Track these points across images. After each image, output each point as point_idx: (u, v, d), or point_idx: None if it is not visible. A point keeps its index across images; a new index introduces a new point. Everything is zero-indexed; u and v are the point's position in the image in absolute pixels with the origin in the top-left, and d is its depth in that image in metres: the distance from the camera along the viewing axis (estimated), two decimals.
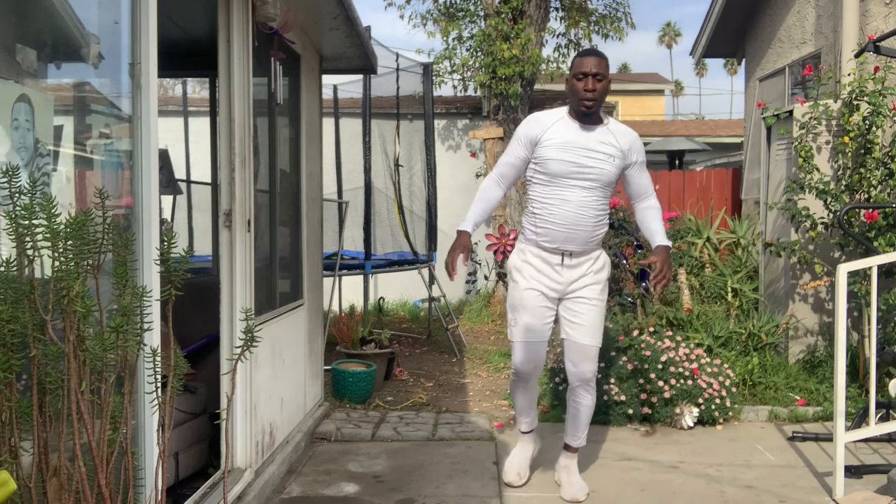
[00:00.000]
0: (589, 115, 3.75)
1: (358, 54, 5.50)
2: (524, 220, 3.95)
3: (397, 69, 8.72)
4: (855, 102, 5.65)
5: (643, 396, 5.06)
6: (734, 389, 5.20)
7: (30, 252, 2.01)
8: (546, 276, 3.82)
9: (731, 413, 5.18)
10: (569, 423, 4.03)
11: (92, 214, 2.10)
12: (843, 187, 5.73)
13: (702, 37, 9.63)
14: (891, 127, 5.72)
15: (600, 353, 4.15)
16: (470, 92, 11.60)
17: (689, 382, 5.08)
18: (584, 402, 3.95)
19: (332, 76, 6.93)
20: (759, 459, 4.51)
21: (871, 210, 5.38)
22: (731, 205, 8.97)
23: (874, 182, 5.56)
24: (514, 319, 3.87)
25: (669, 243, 3.91)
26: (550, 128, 3.79)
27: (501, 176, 3.91)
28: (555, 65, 10.83)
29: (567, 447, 4.06)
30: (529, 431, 4.16)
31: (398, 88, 8.78)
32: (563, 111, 3.86)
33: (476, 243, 10.58)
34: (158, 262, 2.39)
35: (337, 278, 7.59)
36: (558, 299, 3.87)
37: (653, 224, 3.95)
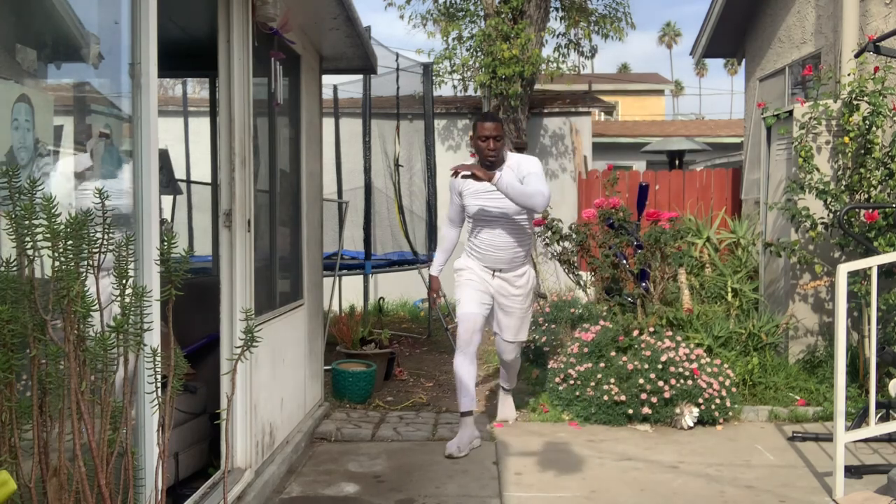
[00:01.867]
0: (491, 165, 4.63)
1: (358, 54, 5.50)
2: (467, 241, 4.92)
3: (397, 69, 8.72)
4: (855, 102, 5.65)
5: (643, 396, 5.06)
6: (734, 389, 5.20)
7: (30, 252, 2.01)
8: (481, 278, 4.82)
9: (731, 413, 5.17)
10: (503, 377, 5.33)
11: (92, 214, 2.10)
12: (843, 187, 5.73)
13: (702, 37, 9.63)
14: (891, 127, 5.72)
15: (600, 352, 5.27)
16: (470, 92, 11.59)
17: (689, 382, 5.08)
18: (509, 369, 5.24)
19: (332, 76, 6.93)
20: (759, 459, 4.51)
21: (871, 210, 5.38)
22: (731, 205, 8.97)
23: (874, 182, 5.56)
24: (459, 301, 4.81)
25: (499, 178, 4.47)
26: (466, 180, 4.68)
27: (451, 220, 4.97)
28: (555, 65, 10.83)
29: (504, 389, 5.35)
30: (469, 412, 4.76)
31: (398, 88, 8.78)
32: (475, 163, 4.75)
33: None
34: (158, 262, 2.39)
35: (337, 278, 7.59)
36: (492, 295, 4.86)
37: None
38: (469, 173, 4.47)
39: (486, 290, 4.81)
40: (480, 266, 4.81)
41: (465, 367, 4.75)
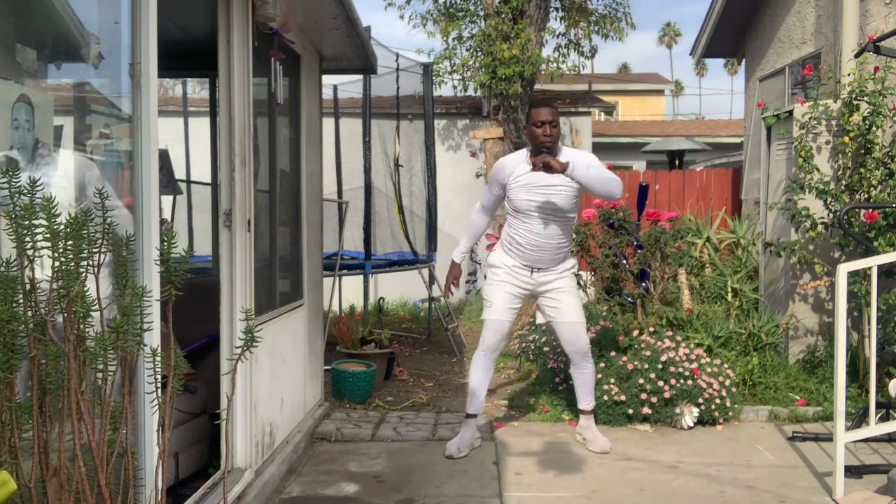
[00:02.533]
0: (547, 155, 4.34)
1: (358, 54, 5.50)
2: (503, 235, 4.68)
3: (397, 69, 8.72)
4: (855, 102, 5.65)
5: (643, 396, 5.06)
6: (734, 389, 5.20)
7: (30, 252, 2.01)
8: (516, 278, 4.59)
9: (731, 413, 5.17)
10: (579, 391, 4.81)
11: (92, 214, 2.10)
12: (843, 187, 5.73)
13: (702, 37, 9.63)
14: (891, 127, 5.72)
15: (600, 352, 4.95)
16: (470, 92, 11.60)
17: (689, 382, 5.08)
18: (586, 370, 4.76)
19: (332, 76, 6.93)
20: (759, 459, 4.51)
21: (871, 210, 5.38)
22: (731, 205, 8.97)
23: (874, 182, 5.56)
24: (490, 302, 4.64)
25: (573, 173, 4.23)
26: (513, 172, 4.49)
27: (484, 208, 4.72)
28: (555, 65, 10.83)
29: (582, 412, 4.83)
30: (475, 416, 4.71)
31: (398, 88, 8.78)
32: (524, 154, 4.52)
33: (476, 243, 10.59)
34: (158, 262, 2.39)
35: (337, 278, 7.59)
36: (530, 294, 4.67)
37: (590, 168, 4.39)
38: (541, 164, 4.14)
39: (519, 294, 4.62)
40: (519, 264, 4.57)
41: (483, 371, 4.66)
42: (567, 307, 4.60)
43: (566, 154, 4.44)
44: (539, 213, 4.45)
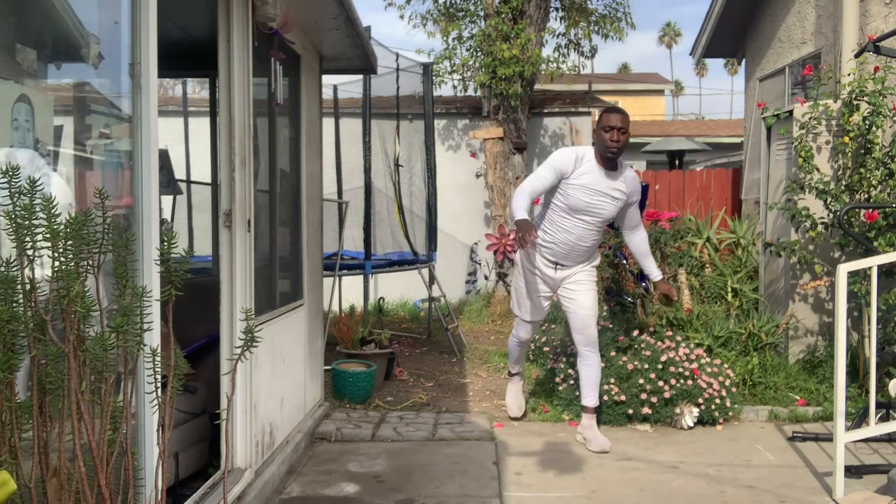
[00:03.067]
0: (612, 160, 4.54)
1: (358, 54, 5.50)
2: (539, 232, 4.75)
3: (397, 69, 8.71)
4: (855, 102, 5.65)
5: (643, 396, 5.06)
6: (734, 389, 5.20)
7: (30, 252, 2.01)
8: (542, 272, 4.80)
9: (731, 413, 5.17)
10: (583, 385, 4.87)
11: (92, 214, 2.10)
12: (843, 187, 5.73)
13: (702, 37, 9.63)
14: (891, 127, 5.72)
15: (600, 352, 4.96)
16: (470, 92, 11.59)
17: (689, 382, 5.08)
18: (592, 362, 4.84)
19: (332, 76, 6.93)
20: (759, 459, 4.51)
21: (871, 210, 5.38)
22: (731, 205, 8.97)
23: (874, 182, 5.56)
24: (521, 304, 4.93)
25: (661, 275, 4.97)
26: (579, 167, 4.54)
27: (532, 192, 4.53)
28: (555, 65, 10.83)
29: (585, 409, 4.85)
30: (518, 373, 5.34)
31: (398, 88, 8.77)
32: (590, 152, 4.61)
33: (476, 243, 10.59)
34: (158, 262, 2.39)
35: (337, 278, 7.58)
36: (555, 287, 4.85)
37: (648, 259, 4.95)
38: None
39: (548, 292, 4.87)
40: (546, 261, 4.75)
41: (521, 350, 5.24)
42: (583, 298, 4.75)
43: (625, 171, 4.66)
44: (587, 215, 4.57)
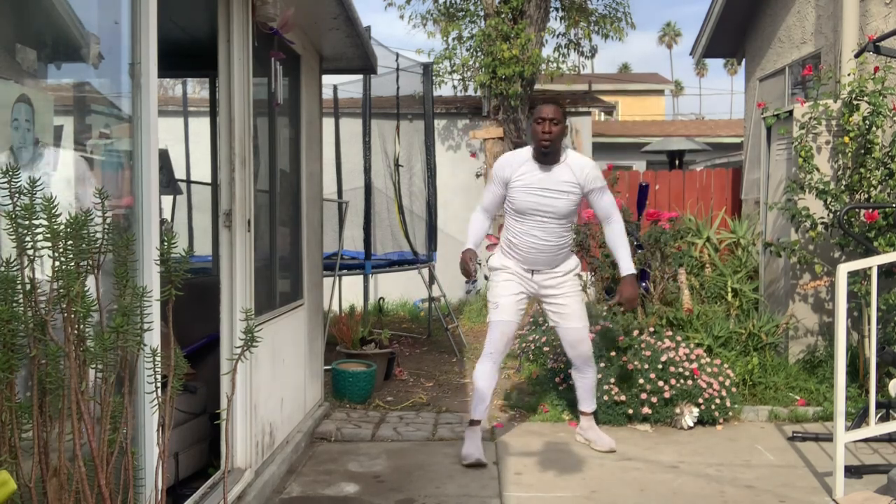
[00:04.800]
0: (547, 154, 4.34)
1: (358, 54, 5.50)
2: (502, 238, 4.62)
3: (397, 69, 8.72)
4: (855, 102, 5.65)
5: (643, 396, 5.06)
6: (734, 389, 5.20)
7: (30, 252, 2.01)
8: (519, 278, 4.53)
9: (731, 413, 5.17)
10: (580, 394, 4.80)
11: (92, 214, 2.10)
12: (843, 187, 5.73)
13: (702, 37, 9.63)
14: (891, 127, 5.72)
15: (600, 352, 5.00)
16: (470, 92, 11.60)
17: (689, 382, 5.08)
18: (588, 374, 4.75)
19: (332, 76, 6.92)
20: (759, 459, 4.51)
21: (871, 210, 5.38)
22: (731, 205, 8.97)
23: (874, 182, 5.56)
24: (496, 304, 4.52)
25: (634, 270, 4.53)
26: (518, 170, 4.40)
27: (486, 209, 4.58)
28: (555, 65, 10.83)
29: (583, 413, 4.83)
30: (479, 421, 4.59)
31: (398, 88, 8.78)
32: (527, 152, 4.44)
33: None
34: (158, 262, 2.39)
35: (337, 278, 7.58)
36: (534, 295, 4.60)
37: (620, 251, 4.55)
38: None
39: (524, 294, 4.54)
40: (519, 266, 4.51)
41: (489, 375, 4.52)
42: (571, 312, 4.55)
43: (571, 160, 4.41)
44: (538, 215, 4.37)
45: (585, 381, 4.76)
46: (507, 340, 4.53)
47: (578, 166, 4.39)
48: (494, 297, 4.53)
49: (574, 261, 4.64)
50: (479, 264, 4.63)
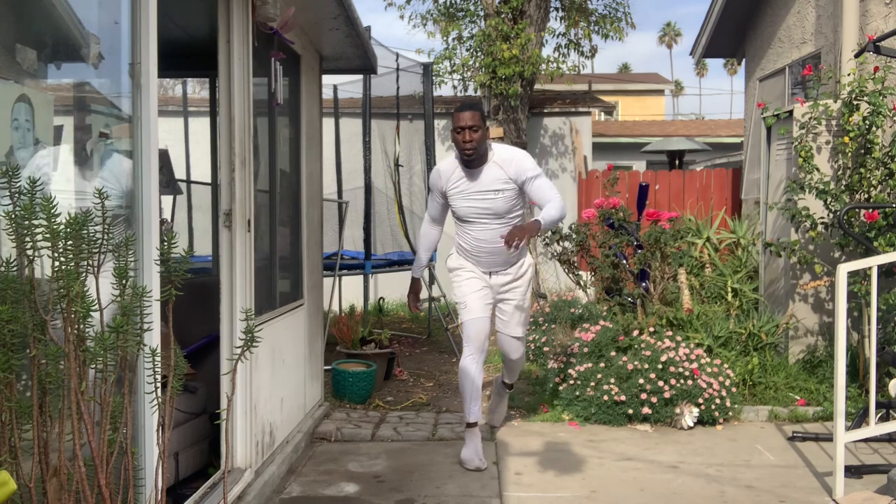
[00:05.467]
0: (471, 160, 4.28)
1: (358, 54, 5.50)
2: (455, 243, 4.59)
3: (397, 69, 8.72)
4: (855, 102, 5.65)
5: (643, 396, 5.06)
6: (734, 389, 5.20)
7: (30, 252, 2.01)
8: (480, 276, 4.51)
9: (731, 413, 5.17)
10: (505, 373, 4.94)
11: (92, 214, 2.10)
12: (843, 187, 5.73)
13: (702, 37, 9.63)
14: (891, 127, 5.72)
15: (600, 352, 5.26)
16: (470, 92, 11.60)
17: (689, 382, 5.08)
18: (504, 395, 5.05)
19: (332, 76, 6.93)
20: (759, 459, 4.51)
21: (871, 210, 5.38)
22: (731, 205, 8.97)
23: (874, 182, 5.56)
24: (464, 304, 4.46)
25: (542, 223, 4.08)
26: (448, 179, 4.39)
27: (433, 219, 4.64)
28: (555, 65, 10.83)
29: (505, 385, 4.98)
30: (476, 423, 4.47)
31: (398, 88, 8.78)
32: (457, 160, 4.37)
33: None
34: (158, 262, 2.39)
35: (337, 278, 7.59)
36: (495, 289, 4.55)
37: (544, 210, 4.19)
38: (517, 242, 3.89)
39: (487, 288, 4.48)
40: (476, 268, 4.51)
41: (476, 371, 4.40)
42: (514, 321, 4.61)
43: (498, 155, 4.32)
44: (481, 218, 4.35)
45: (499, 399, 5.00)
46: (484, 337, 4.44)
47: (507, 161, 4.30)
48: (461, 297, 4.49)
49: (528, 260, 4.60)
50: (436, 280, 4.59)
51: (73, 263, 2.05)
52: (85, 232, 2.07)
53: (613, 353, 5.28)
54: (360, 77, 8.19)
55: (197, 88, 10.00)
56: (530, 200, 4.42)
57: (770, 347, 5.84)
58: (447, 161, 4.47)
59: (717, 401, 5.09)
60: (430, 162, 8.75)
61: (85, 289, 2.04)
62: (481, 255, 4.44)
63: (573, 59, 37.09)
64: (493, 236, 4.33)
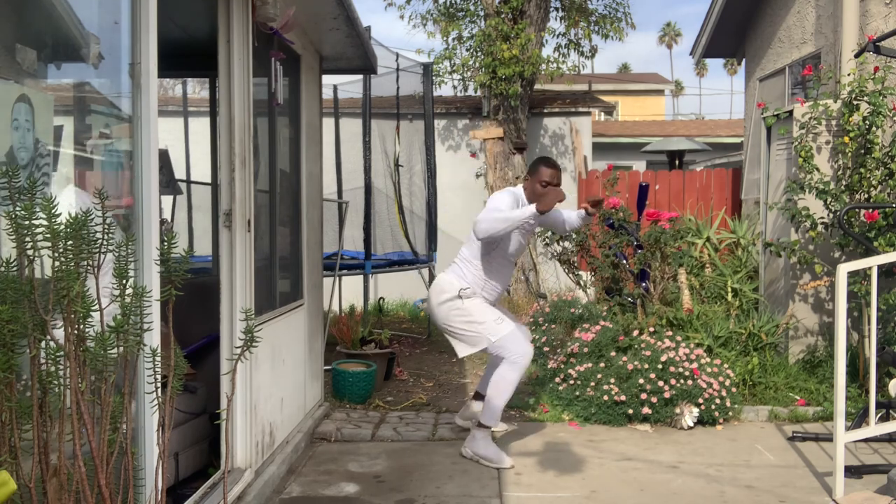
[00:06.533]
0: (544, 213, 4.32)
1: (358, 54, 5.50)
2: (474, 276, 4.54)
3: (397, 69, 8.72)
4: (855, 102, 5.65)
5: (643, 396, 5.06)
6: (734, 389, 5.20)
7: (30, 252, 2.01)
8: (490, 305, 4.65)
9: (731, 413, 5.17)
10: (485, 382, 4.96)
11: (92, 214, 2.10)
12: (843, 187, 5.73)
13: (702, 37, 9.64)
14: (891, 127, 5.72)
15: (600, 352, 5.26)
16: (470, 92, 11.61)
17: (689, 382, 5.08)
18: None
19: (332, 76, 6.93)
20: (759, 459, 4.51)
21: (871, 210, 5.38)
22: (731, 205, 8.97)
23: (874, 182, 5.56)
24: (499, 319, 4.48)
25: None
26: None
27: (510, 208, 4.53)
28: (555, 65, 10.84)
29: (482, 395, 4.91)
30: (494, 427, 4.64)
31: (398, 88, 8.78)
32: (523, 196, 4.56)
33: None
34: (158, 262, 2.39)
35: (337, 278, 7.58)
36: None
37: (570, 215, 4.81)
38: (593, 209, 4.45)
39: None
40: (485, 299, 4.61)
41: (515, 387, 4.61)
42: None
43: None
44: (518, 253, 4.71)
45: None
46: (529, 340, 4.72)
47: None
48: (488, 316, 4.46)
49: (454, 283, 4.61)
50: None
51: (73, 263, 2.05)
52: (85, 232, 2.07)
53: (613, 353, 5.28)
54: (360, 77, 8.19)
55: (197, 88, 10.01)
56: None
57: (770, 347, 5.84)
58: (519, 192, 4.59)
59: (717, 401, 5.09)
60: (430, 162, 8.76)
61: (85, 289, 2.04)
62: (497, 288, 4.67)
63: (573, 59, 37.11)
64: (510, 269, 4.71)
